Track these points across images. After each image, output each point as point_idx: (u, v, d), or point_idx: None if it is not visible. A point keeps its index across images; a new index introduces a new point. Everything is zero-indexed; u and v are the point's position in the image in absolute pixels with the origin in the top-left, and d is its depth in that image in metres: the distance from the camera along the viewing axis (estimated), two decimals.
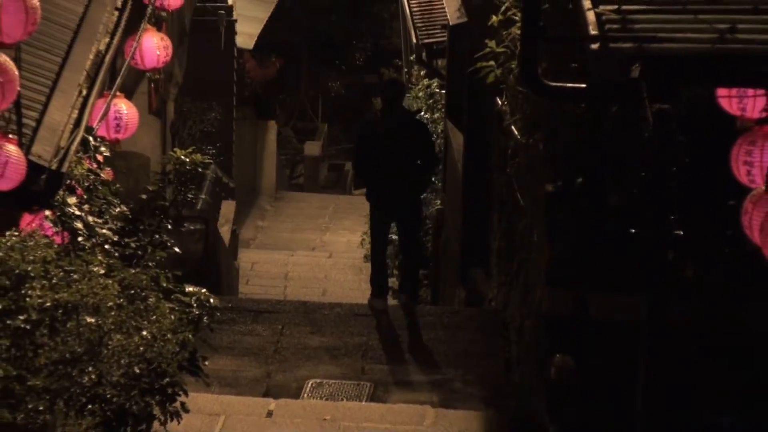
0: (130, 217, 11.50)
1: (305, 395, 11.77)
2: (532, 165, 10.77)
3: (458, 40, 15.97)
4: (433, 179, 16.74)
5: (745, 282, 8.18)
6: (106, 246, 10.70)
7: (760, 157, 7.27)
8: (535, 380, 10.33)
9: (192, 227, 14.82)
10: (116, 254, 10.61)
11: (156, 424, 8.85)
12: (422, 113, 19.25)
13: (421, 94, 20.47)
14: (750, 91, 7.53)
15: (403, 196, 15.03)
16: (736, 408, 7.77)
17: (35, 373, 7.95)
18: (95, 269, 9.18)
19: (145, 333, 8.78)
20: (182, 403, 8.97)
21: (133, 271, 9.71)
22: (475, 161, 15.36)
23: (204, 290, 10.43)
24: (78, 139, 10.15)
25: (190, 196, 14.42)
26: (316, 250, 22.33)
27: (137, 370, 8.57)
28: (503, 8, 10.82)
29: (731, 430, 7.71)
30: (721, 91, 7.69)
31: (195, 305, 10.05)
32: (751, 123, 7.52)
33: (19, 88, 8.42)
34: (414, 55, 20.70)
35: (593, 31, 7.59)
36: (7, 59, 8.13)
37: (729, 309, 8.27)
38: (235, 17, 21.63)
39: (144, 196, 12.04)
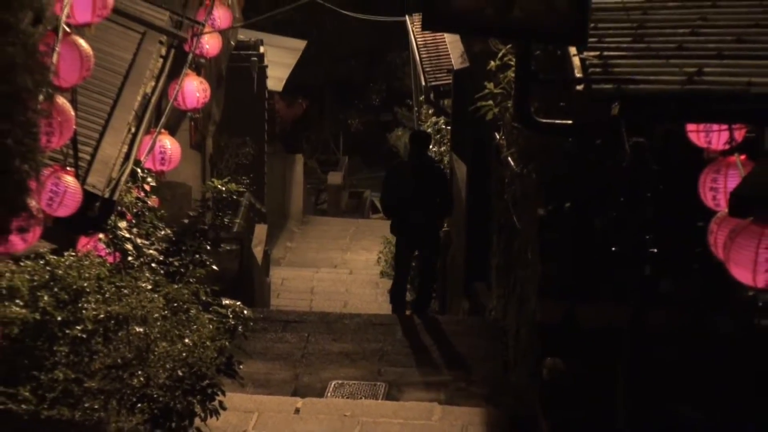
0: (173, 239, 11.54)
1: (328, 394, 11.68)
2: (526, 192, 10.75)
3: (461, 83, 15.93)
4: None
5: (711, 293, 8.19)
6: (153, 264, 10.72)
7: (724, 183, 7.26)
8: (529, 380, 10.30)
9: (228, 248, 14.81)
10: (161, 272, 10.63)
11: (197, 420, 8.84)
12: (443, 160, 19.22)
13: (429, 129, 20.45)
14: (715, 126, 7.54)
15: (425, 230, 15.36)
16: (706, 403, 7.74)
17: (91, 376, 7.94)
18: (143, 285, 9.20)
19: (187, 341, 8.79)
20: (220, 402, 8.96)
21: (177, 286, 9.71)
22: (477, 189, 15.33)
23: (239, 303, 10.46)
24: (128, 170, 10.19)
25: (226, 220, 14.50)
26: (338, 268, 22.20)
27: (180, 373, 8.57)
28: (500, 55, 10.81)
29: (702, 423, 7.69)
30: (690, 127, 7.70)
31: (231, 316, 10.07)
32: (716, 154, 7.52)
33: (75, 127, 8.43)
34: (423, 96, 20.61)
35: (578, 75, 7.56)
36: (65, 101, 8.15)
37: (698, 317, 8.28)
38: (266, 63, 21.59)
39: (186, 221, 12.10)
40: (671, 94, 7.25)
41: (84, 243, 9.52)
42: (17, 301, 7.89)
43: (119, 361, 8.20)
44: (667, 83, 7.29)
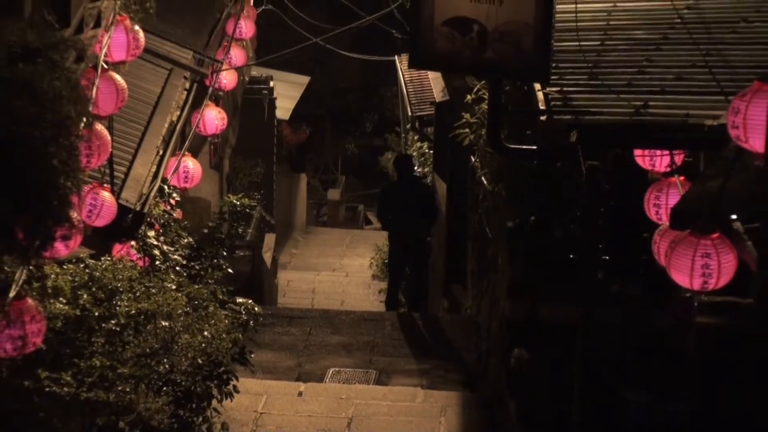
0: (195, 246, 11.51)
1: (327, 380, 11.67)
2: (497, 207, 10.70)
3: (442, 113, 15.92)
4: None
5: (654, 294, 8.19)
6: (177, 268, 10.70)
7: (666, 200, 7.28)
8: (499, 368, 10.30)
9: (242, 253, 14.79)
10: (184, 274, 10.62)
11: (214, 401, 8.85)
12: (427, 178, 19.20)
13: (414, 153, 20.40)
14: (658, 152, 7.55)
15: (414, 240, 15.36)
16: (648, 386, 7.73)
17: (123, 364, 7.93)
18: (168, 285, 9.21)
19: (206, 333, 8.79)
20: (234, 386, 8.98)
21: (197, 286, 9.73)
22: (455, 204, 15.24)
23: (250, 301, 10.45)
24: (156, 187, 10.19)
25: (240, 230, 14.52)
26: (336, 271, 22.08)
27: (200, 361, 8.57)
28: (475, 89, 10.76)
29: (645, 403, 7.68)
30: (637, 152, 7.71)
31: (244, 312, 10.05)
32: (659, 175, 7.54)
33: (111, 149, 8.43)
34: (410, 124, 20.56)
35: (542, 107, 7.62)
36: (102, 127, 8.15)
37: (643, 314, 8.28)
38: (275, 96, 21.53)
39: (205, 230, 12.09)
40: (621, 124, 7.30)
41: (118, 249, 9.51)
42: (60, 299, 7.90)
43: (148, 350, 8.22)
44: (618, 115, 7.35)
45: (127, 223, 9.28)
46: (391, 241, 15.90)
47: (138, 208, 9.46)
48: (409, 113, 19.17)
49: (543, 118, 7.57)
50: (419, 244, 15.69)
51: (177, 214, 11.77)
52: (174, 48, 11.94)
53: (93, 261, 8.62)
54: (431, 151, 18.44)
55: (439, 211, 16.14)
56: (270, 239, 19.36)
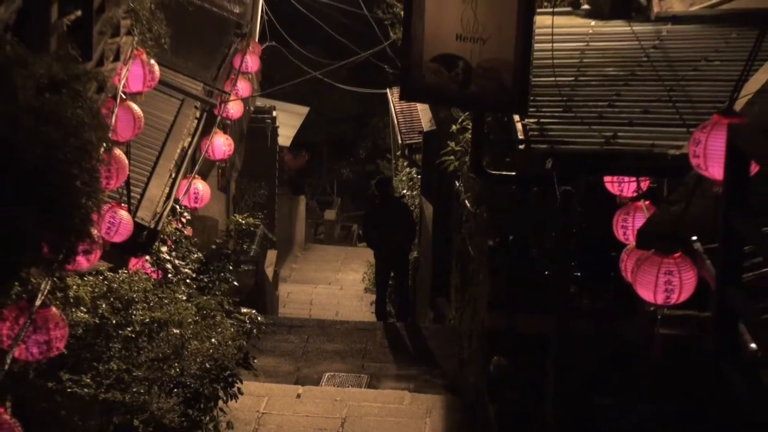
0: (203, 260, 11.52)
1: (323, 383, 11.66)
2: (479, 227, 10.71)
3: (429, 141, 15.91)
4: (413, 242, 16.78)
5: (621, 308, 8.19)
6: (187, 280, 10.68)
7: (633, 223, 7.27)
8: (479, 374, 10.29)
9: (246, 268, 14.75)
10: (194, 286, 10.60)
11: (220, 402, 8.82)
12: (405, 196, 19.21)
13: (404, 178, 20.41)
14: (626, 178, 7.56)
15: (397, 255, 15.40)
16: (614, 391, 7.72)
17: (138, 367, 7.93)
18: (179, 296, 9.23)
19: (213, 340, 8.79)
20: (239, 389, 8.98)
21: (206, 297, 9.73)
22: (441, 224, 15.25)
23: (254, 311, 10.45)
24: (169, 207, 10.18)
25: (245, 246, 14.54)
26: (332, 285, 22.05)
27: (208, 366, 8.56)
28: (460, 120, 10.78)
29: (611, 407, 7.66)
30: (607, 178, 7.72)
31: (248, 321, 10.05)
32: (626, 200, 7.53)
33: (128, 172, 8.44)
34: (400, 151, 20.63)
35: (520, 137, 7.60)
36: (120, 152, 8.15)
37: (611, 326, 8.27)
38: (277, 124, 21.53)
39: (213, 247, 12.08)
40: (592, 153, 7.31)
41: (134, 263, 9.50)
42: (81, 308, 7.90)
43: (160, 355, 8.21)
44: (590, 144, 7.35)
45: (143, 240, 9.27)
46: (377, 257, 15.94)
47: (152, 226, 9.46)
48: (399, 141, 19.19)
49: (521, 147, 7.56)
50: (402, 257, 15.75)
51: (187, 231, 11.77)
52: (186, 80, 11.98)
53: (111, 273, 8.63)
54: (419, 176, 18.47)
55: (416, 225, 16.22)
56: (272, 255, 19.34)
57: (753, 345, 3.96)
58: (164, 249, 10.73)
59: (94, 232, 6.25)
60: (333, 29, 18.73)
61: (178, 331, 8.47)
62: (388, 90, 21.08)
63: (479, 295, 10.76)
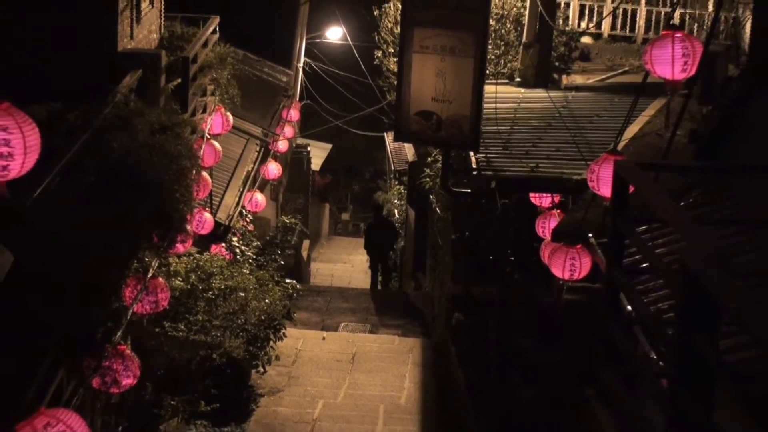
0: (260, 247, 11.53)
1: (340, 330, 11.64)
2: (446, 226, 10.73)
3: (413, 168, 15.90)
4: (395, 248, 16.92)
5: (541, 281, 8.16)
6: (249, 260, 10.71)
7: (548, 224, 7.19)
8: (445, 325, 10.30)
9: (289, 252, 14.75)
10: (254, 264, 10.62)
11: (271, 342, 8.85)
12: (393, 213, 19.11)
13: (396, 193, 20.32)
14: (544, 195, 7.57)
15: (384, 255, 15.88)
16: (536, 335, 7.69)
17: (216, 318, 7.94)
18: (244, 271, 9.21)
19: (267, 300, 8.79)
20: (283, 333, 9.01)
21: (262, 272, 9.72)
22: (420, 224, 15.22)
23: (294, 281, 10.45)
24: (238, 211, 10.19)
25: (288, 238, 14.48)
26: (346, 263, 21.85)
27: (263, 318, 8.58)
28: (434, 154, 10.81)
29: (533, 346, 7.62)
30: (532, 194, 7.72)
31: (290, 288, 10.05)
32: (544, 209, 7.54)
33: (210, 187, 8.46)
34: (392, 174, 20.65)
35: (474, 166, 7.62)
36: (206, 174, 8.17)
37: (534, 294, 8.25)
38: (310, 156, 21.55)
39: (267, 238, 12.10)
40: (522, 177, 7.33)
41: (214, 248, 9.50)
42: (178, 278, 7.89)
43: (231, 311, 8.22)
44: (520, 172, 7.37)
45: (220, 232, 9.28)
46: (370, 255, 16.15)
47: (227, 223, 9.47)
48: (392, 168, 19.21)
49: (475, 173, 7.56)
50: (385, 257, 16.05)
51: (250, 227, 11.78)
52: (250, 126, 11.98)
53: (198, 255, 8.62)
54: (406, 192, 18.45)
55: (397, 236, 16.50)
56: (306, 243, 19.22)
57: (629, 308, 3.97)
58: (234, 239, 10.75)
59: (188, 227, 6.26)
60: (348, 93, 18.67)
61: (243, 294, 8.47)
62: (385, 133, 21.06)
63: (445, 271, 10.75)
